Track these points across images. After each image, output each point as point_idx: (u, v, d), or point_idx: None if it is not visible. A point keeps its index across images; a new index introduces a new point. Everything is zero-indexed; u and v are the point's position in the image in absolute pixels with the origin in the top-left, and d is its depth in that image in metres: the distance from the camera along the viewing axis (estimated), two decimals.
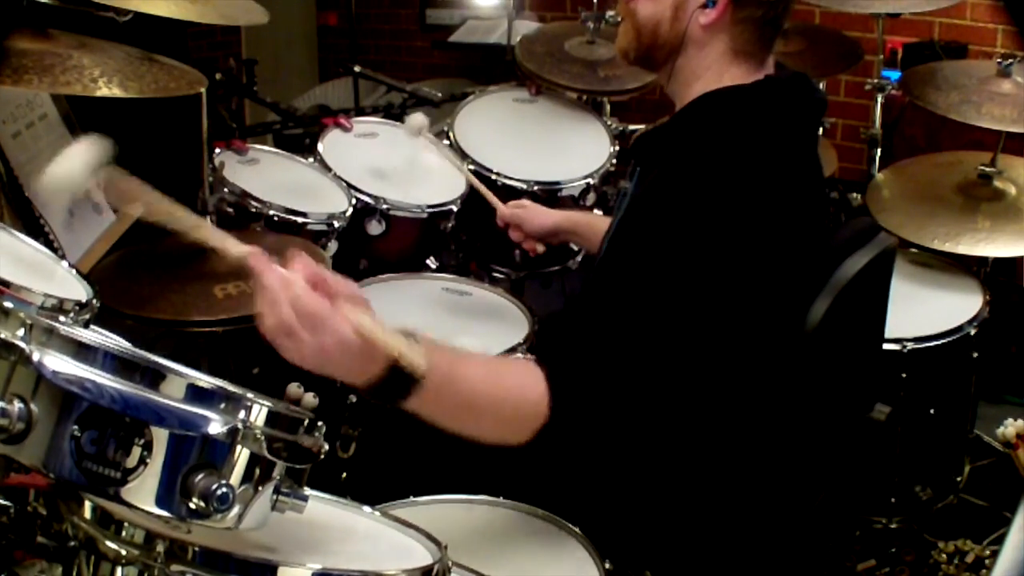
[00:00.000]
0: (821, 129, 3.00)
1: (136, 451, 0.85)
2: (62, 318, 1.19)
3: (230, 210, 2.22)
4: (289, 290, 1.07)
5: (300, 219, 2.26)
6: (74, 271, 1.44)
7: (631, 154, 1.59)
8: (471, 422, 1.22)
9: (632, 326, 1.28)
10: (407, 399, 1.15)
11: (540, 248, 2.01)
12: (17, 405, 0.84)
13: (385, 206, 2.40)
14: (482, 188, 2.19)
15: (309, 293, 1.08)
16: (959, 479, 2.45)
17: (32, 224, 1.78)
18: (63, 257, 1.55)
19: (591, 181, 2.63)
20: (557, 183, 2.59)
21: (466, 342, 2.04)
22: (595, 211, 2.66)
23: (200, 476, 0.87)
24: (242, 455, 0.90)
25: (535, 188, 2.57)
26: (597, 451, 1.32)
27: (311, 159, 2.52)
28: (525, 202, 2.08)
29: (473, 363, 1.24)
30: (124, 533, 0.93)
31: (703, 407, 1.35)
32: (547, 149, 2.75)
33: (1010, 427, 1.70)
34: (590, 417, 1.27)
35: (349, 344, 1.09)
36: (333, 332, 1.08)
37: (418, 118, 2.29)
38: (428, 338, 1.16)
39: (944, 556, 2.28)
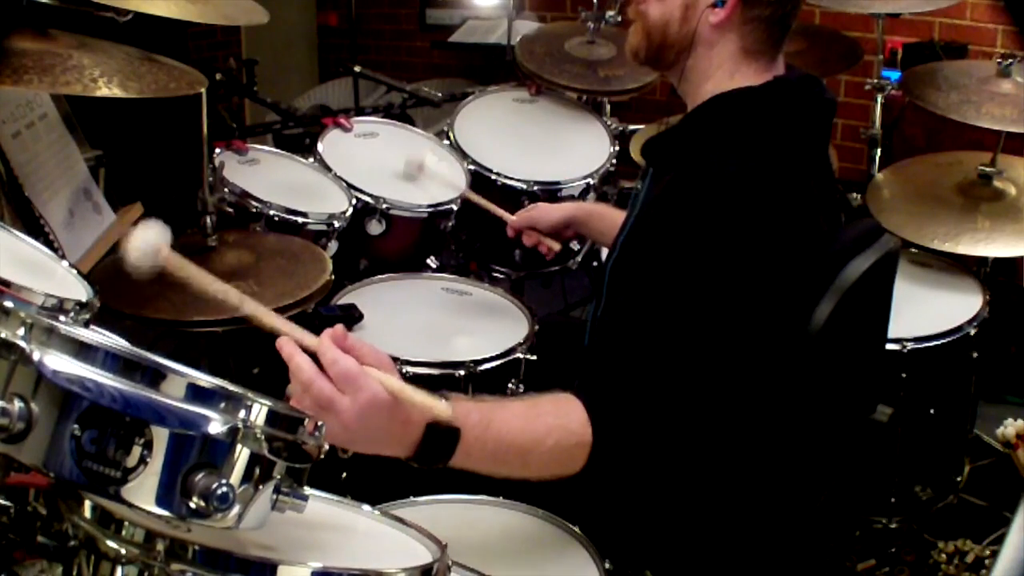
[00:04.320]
0: None
1: (136, 450, 0.85)
2: (62, 318, 1.19)
3: (230, 210, 2.22)
4: (323, 359, 1.12)
5: (300, 219, 2.26)
6: (74, 271, 1.44)
7: (643, 155, 1.59)
8: (519, 464, 1.24)
9: (657, 337, 1.31)
10: (452, 456, 1.19)
11: (556, 246, 2.03)
12: (17, 404, 0.84)
13: (385, 206, 2.39)
14: (484, 202, 2.23)
15: (341, 355, 1.13)
16: (959, 479, 2.45)
17: (32, 224, 1.77)
18: (63, 257, 1.55)
19: (591, 181, 2.64)
20: (557, 183, 2.59)
21: (466, 342, 2.08)
22: None
23: (200, 475, 0.87)
24: (242, 454, 0.89)
25: (535, 188, 2.57)
26: (641, 466, 1.32)
27: (311, 159, 2.52)
28: (532, 205, 2.10)
29: (509, 407, 1.26)
30: (124, 532, 0.93)
31: (726, 409, 1.35)
32: (547, 149, 2.75)
33: (1010, 427, 1.70)
34: (632, 433, 1.28)
35: (382, 401, 1.13)
36: (366, 388, 1.12)
37: (415, 159, 2.42)
38: (460, 396, 1.21)
39: (944, 556, 2.28)
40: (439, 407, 1.15)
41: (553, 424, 1.25)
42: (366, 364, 1.15)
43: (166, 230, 1.17)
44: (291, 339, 1.16)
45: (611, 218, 1.92)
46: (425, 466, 1.20)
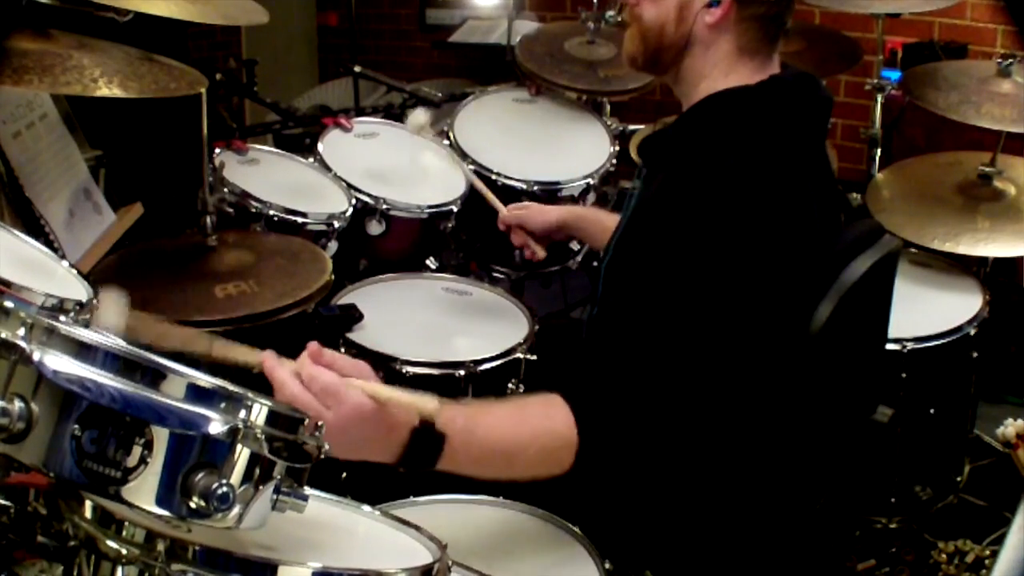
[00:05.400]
0: None
1: (136, 450, 0.85)
2: (62, 318, 1.19)
3: (230, 210, 2.22)
4: (302, 377, 1.14)
5: (300, 219, 2.26)
6: (74, 271, 1.44)
7: (639, 154, 1.59)
8: (505, 467, 1.25)
9: (648, 337, 1.31)
10: (438, 459, 1.20)
11: (541, 253, 1.99)
12: (17, 404, 0.84)
13: (385, 206, 2.39)
14: (484, 189, 2.18)
15: (320, 370, 1.15)
16: (959, 479, 2.45)
17: (32, 224, 1.78)
18: (63, 257, 1.55)
19: (591, 181, 2.64)
20: (557, 183, 2.59)
21: (466, 342, 2.08)
22: None
23: (200, 475, 0.87)
24: (242, 454, 0.89)
25: (535, 188, 2.57)
26: (628, 467, 1.32)
27: (311, 159, 2.52)
28: (526, 203, 2.08)
29: (494, 410, 1.27)
30: (124, 532, 0.93)
31: (718, 412, 1.35)
32: (547, 149, 2.75)
33: (1010, 427, 1.70)
34: (617, 433, 1.28)
35: (365, 409, 1.15)
36: (348, 400, 1.14)
37: (420, 116, 2.27)
38: (446, 401, 1.19)
39: (944, 556, 2.28)
40: (426, 403, 1.15)
41: (539, 427, 1.26)
42: (346, 375, 1.17)
43: (120, 301, 1.19)
44: (274, 355, 1.17)
45: (603, 222, 1.91)
46: (411, 470, 1.21)
